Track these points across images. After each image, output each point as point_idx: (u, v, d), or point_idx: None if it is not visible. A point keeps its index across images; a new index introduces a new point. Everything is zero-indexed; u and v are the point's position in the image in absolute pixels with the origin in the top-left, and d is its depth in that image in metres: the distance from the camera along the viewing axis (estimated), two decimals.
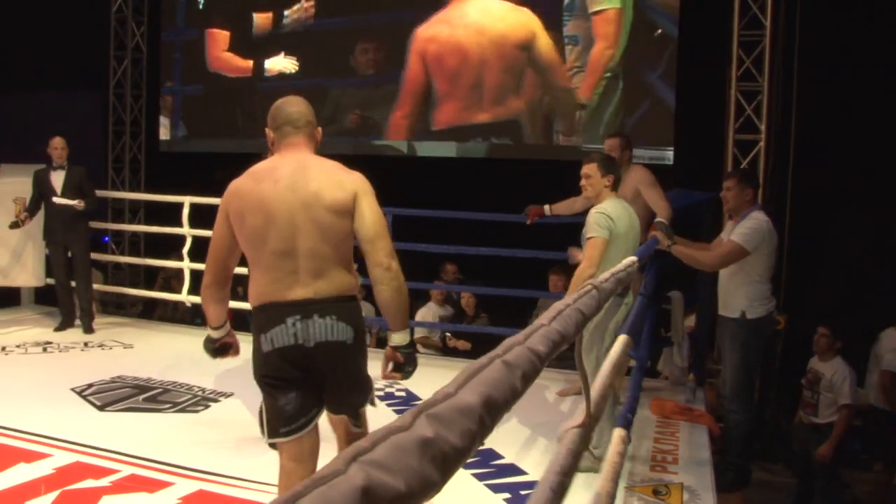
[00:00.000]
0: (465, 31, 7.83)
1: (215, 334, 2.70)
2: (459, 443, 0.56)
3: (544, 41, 7.63)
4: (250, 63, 8.75)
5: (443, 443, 0.54)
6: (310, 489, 0.42)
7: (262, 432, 2.50)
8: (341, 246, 2.45)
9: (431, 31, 7.99)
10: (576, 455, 1.43)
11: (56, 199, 6.08)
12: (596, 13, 7.50)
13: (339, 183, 2.44)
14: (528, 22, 7.66)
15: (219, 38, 8.97)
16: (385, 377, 2.65)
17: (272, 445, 2.51)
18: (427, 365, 5.86)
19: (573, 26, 7.58)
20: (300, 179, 2.40)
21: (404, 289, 2.51)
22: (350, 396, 2.55)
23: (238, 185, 2.47)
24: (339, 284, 2.44)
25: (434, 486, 0.52)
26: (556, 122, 7.69)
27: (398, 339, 2.58)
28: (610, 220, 3.65)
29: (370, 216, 2.45)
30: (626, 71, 7.47)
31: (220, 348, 2.74)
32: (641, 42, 7.42)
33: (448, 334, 6.62)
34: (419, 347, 6.56)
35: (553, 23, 7.62)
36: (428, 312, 6.66)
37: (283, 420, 2.43)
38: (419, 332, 6.65)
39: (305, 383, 2.44)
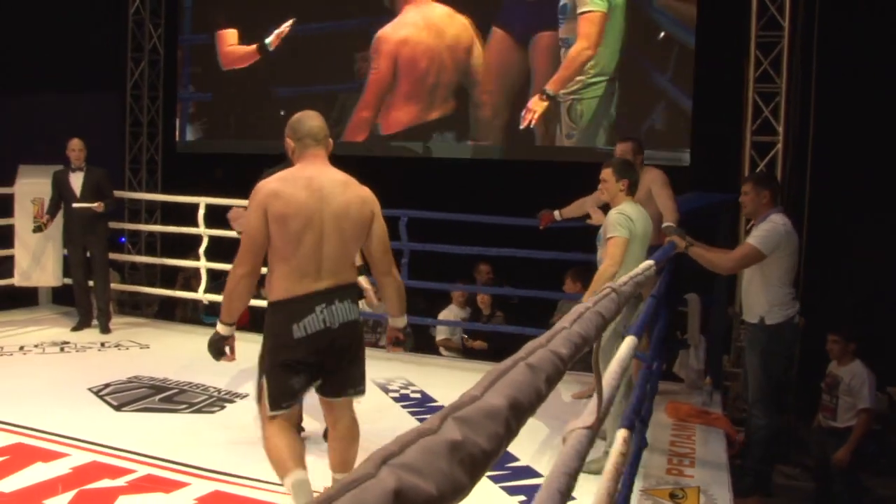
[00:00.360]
0: (427, 33, 8.10)
1: (227, 331, 2.91)
2: (487, 446, 0.55)
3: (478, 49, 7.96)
4: (254, 47, 8.82)
5: (471, 446, 0.53)
6: (342, 493, 0.42)
7: (262, 405, 2.88)
8: (355, 250, 2.98)
9: (402, 34, 8.23)
10: (582, 456, 1.42)
11: (75, 205, 6.12)
12: (582, 13, 7.60)
13: (363, 200, 2.90)
14: (468, 27, 8.00)
15: (226, 36, 9.04)
16: (390, 350, 3.31)
17: (269, 418, 2.85)
18: (438, 366, 5.90)
19: (566, 29, 7.65)
20: (333, 192, 2.81)
21: (402, 286, 3.13)
22: (357, 368, 2.96)
23: (277, 189, 2.78)
24: (349, 276, 2.92)
25: (463, 490, 0.51)
26: (551, 123, 7.70)
27: (400, 322, 3.16)
28: (630, 221, 3.75)
29: (381, 234, 2.97)
30: (624, 75, 7.46)
31: (224, 349, 2.93)
32: (643, 46, 7.42)
33: (465, 336, 6.64)
34: (441, 350, 6.59)
35: (550, 24, 7.69)
36: (449, 314, 6.70)
37: (289, 396, 2.83)
38: (441, 335, 6.69)
39: (314, 366, 2.84)
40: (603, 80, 7.54)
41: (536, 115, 7.70)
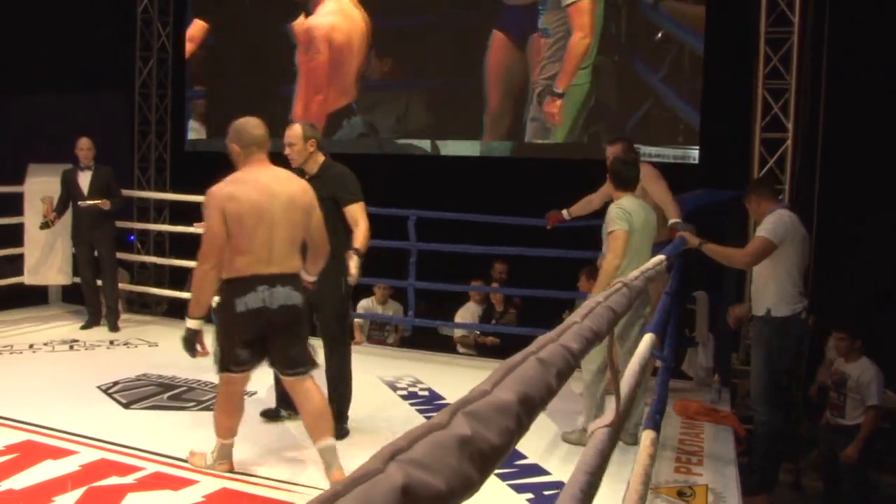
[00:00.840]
0: (351, 21, 8.48)
1: (197, 325, 3.26)
2: (497, 441, 0.54)
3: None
4: None
5: (481, 441, 0.52)
6: (350, 488, 0.41)
7: (216, 364, 3.31)
8: (300, 237, 3.34)
9: (330, 21, 8.53)
10: (605, 455, 1.41)
11: (81, 203, 6.14)
12: (569, 5, 7.61)
13: (304, 190, 3.36)
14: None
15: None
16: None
17: (221, 377, 3.31)
18: (446, 364, 5.90)
19: (546, 19, 7.66)
20: (279, 188, 3.25)
21: (327, 254, 3.56)
22: (295, 349, 3.31)
23: (232, 192, 3.20)
24: (294, 265, 3.31)
25: (473, 485, 0.50)
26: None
27: (311, 277, 3.53)
28: (628, 214, 3.90)
29: (319, 215, 3.42)
30: (625, 71, 7.47)
31: (195, 344, 3.29)
32: (638, 45, 7.42)
33: (477, 333, 6.67)
34: (458, 347, 6.65)
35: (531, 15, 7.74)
36: (466, 312, 6.75)
37: (235, 362, 3.27)
38: (458, 332, 6.75)
39: (256, 342, 3.25)
40: (604, 76, 7.57)
41: (557, 116, 7.72)
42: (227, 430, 3.42)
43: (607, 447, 1.41)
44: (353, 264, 3.82)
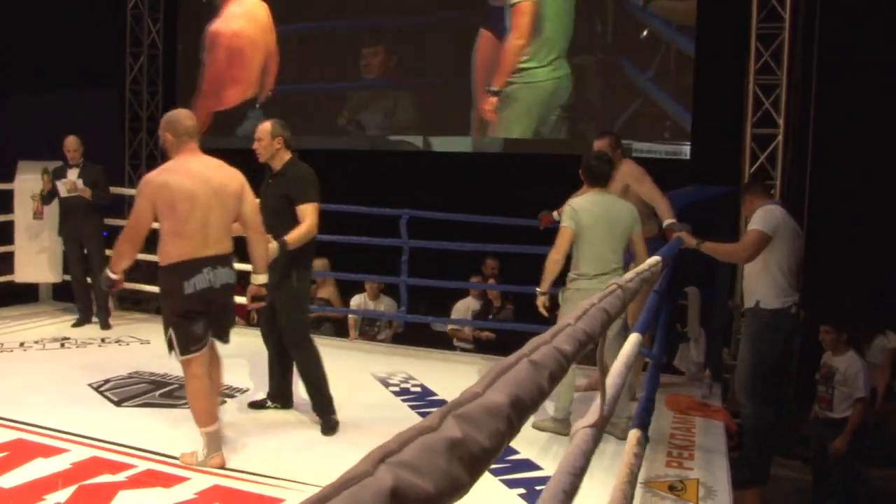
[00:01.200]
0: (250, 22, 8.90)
1: (117, 276, 3.56)
2: (488, 443, 0.54)
3: None
4: None
5: (472, 443, 0.52)
6: (338, 490, 0.41)
7: (173, 353, 3.47)
8: (231, 220, 3.54)
9: (233, 26, 8.93)
10: (588, 456, 1.42)
11: (59, 184, 6.11)
12: (513, 5, 7.71)
13: (233, 176, 3.55)
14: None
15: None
16: (249, 307, 3.88)
17: (185, 362, 3.47)
18: (439, 360, 5.90)
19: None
20: (211, 175, 3.46)
21: (269, 246, 3.74)
22: (229, 321, 3.67)
23: (166, 180, 3.40)
24: (229, 246, 3.54)
25: (463, 488, 0.50)
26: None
27: (261, 279, 3.73)
28: (574, 212, 4.05)
29: (252, 199, 3.63)
30: (608, 69, 7.49)
31: (113, 284, 3.60)
32: (623, 43, 7.46)
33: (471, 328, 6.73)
34: (455, 341, 6.72)
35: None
36: (462, 305, 6.81)
37: (194, 341, 3.45)
38: (452, 323, 6.80)
39: (207, 315, 3.48)
40: (551, 69, 7.63)
41: (491, 113, 7.88)
42: (207, 414, 3.50)
43: (591, 447, 1.41)
44: (269, 246, 3.93)
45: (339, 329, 6.92)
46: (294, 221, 3.97)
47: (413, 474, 0.45)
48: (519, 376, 0.69)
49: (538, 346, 0.82)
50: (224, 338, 3.68)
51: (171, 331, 3.45)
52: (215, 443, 3.51)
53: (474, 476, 0.52)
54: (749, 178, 6.54)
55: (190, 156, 3.49)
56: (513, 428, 0.61)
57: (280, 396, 4.38)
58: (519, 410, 0.63)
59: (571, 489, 1.29)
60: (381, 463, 0.45)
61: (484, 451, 0.54)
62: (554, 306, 4.30)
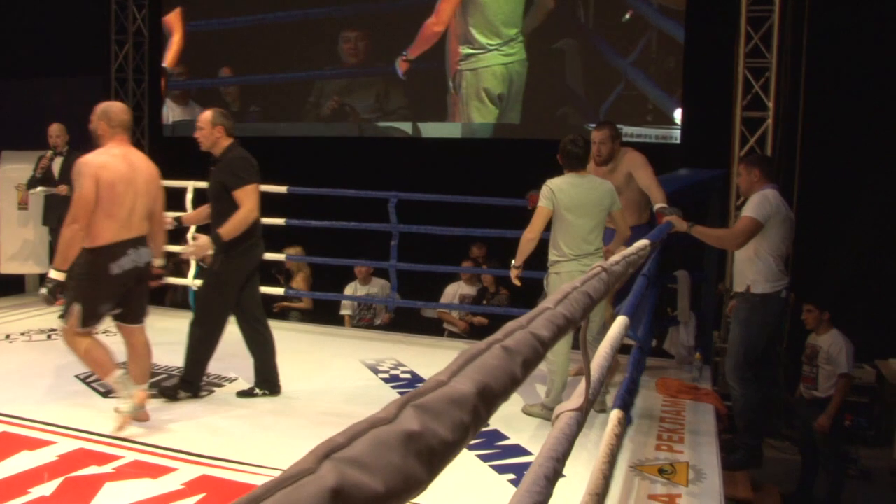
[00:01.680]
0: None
1: (61, 277, 3.61)
2: (450, 436, 0.51)
3: None
4: None
5: (430, 436, 0.49)
6: (273, 490, 0.38)
7: (63, 321, 3.69)
8: (151, 207, 3.84)
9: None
10: (572, 440, 1.39)
11: (30, 194, 6.11)
12: None
13: (155, 167, 3.89)
14: None
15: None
16: (152, 284, 4.03)
17: (77, 333, 3.67)
18: (429, 346, 5.88)
19: None
20: (140, 164, 3.79)
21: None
22: (146, 299, 3.94)
23: (105, 162, 3.66)
24: (145, 229, 3.82)
25: (419, 484, 0.47)
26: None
27: (159, 262, 4.05)
28: (552, 192, 4.06)
29: (161, 195, 3.97)
30: (589, 55, 7.44)
31: (57, 294, 3.66)
32: (602, 28, 7.43)
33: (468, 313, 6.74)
34: (445, 325, 6.80)
35: None
36: (451, 290, 6.83)
37: (96, 319, 3.73)
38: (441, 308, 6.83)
39: (119, 297, 3.74)
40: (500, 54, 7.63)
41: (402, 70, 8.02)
42: (105, 365, 3.72)
43: (574, 431, 1.38)
44: (194, 242, 4.11)
45: (305, 319, 6.98)
46: (231, 207, 4.07)
47: (361, 471, 0.42)
48: (489, 363, 0.65)
49: (513, 330, 0.79)
50: (137, 319, 3.89)
51: (78, 305, 3.65)
52: (123, 381, 3.73)
53: (434, 471, 0.49)
54: (750, 152, 6.49)
55: (121, 145, 3.78)
56: (479, 418, 0.58)
57: (265, 382, 4.38)
58: (487, 400, 0.60)
59: (553, 474, 1.26)
60: (325, 459, 0.42)
61: (445, 445, 0.50)
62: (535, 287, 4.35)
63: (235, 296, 4.27)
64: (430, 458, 0.48)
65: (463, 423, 0.54)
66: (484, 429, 3.87)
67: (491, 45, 7.60)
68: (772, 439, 6.01)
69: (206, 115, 4.22)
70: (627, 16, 7.29)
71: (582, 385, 1.53)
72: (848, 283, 6.68)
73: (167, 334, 5.00)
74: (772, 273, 4.39)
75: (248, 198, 4.08)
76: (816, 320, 5.15)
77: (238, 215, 4.04)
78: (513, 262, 4.27)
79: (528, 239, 4.12)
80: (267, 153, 7.50)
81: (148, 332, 3.98)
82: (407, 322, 6.67)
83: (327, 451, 0.43)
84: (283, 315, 6.95)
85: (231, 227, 4.03)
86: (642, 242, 2.60)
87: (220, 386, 4.56)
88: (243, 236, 4.11)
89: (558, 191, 4.05)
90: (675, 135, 7.20)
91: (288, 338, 6.11)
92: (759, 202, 4.37)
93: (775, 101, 6.68)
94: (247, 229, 4.10)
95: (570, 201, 4.04)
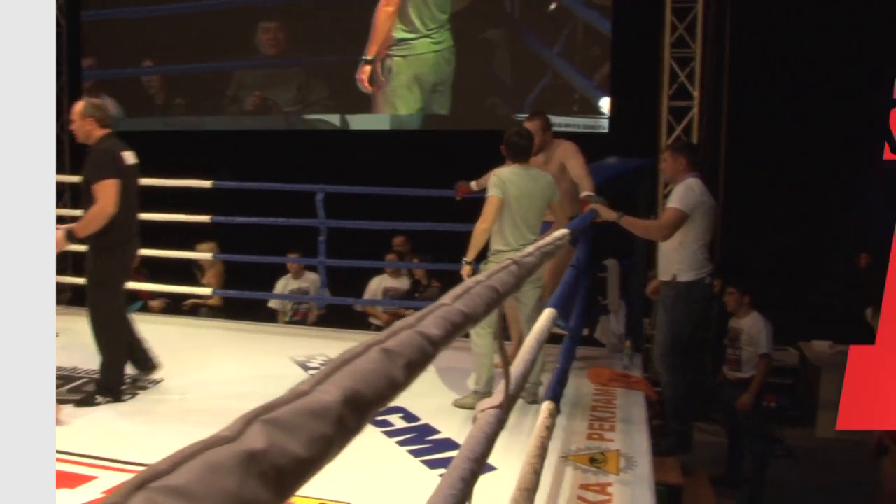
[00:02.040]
0: None
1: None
2: (305, 452, 0.47)
3: None
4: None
5: (278, 454, 0.45)
6: None
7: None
8: None
9: None
10: (491, 439, 1.36)
11: None
12: None
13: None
14: None
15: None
16: None
17: None
18: (359, 341, 5.81)
19: None
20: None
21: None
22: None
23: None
24: None
25: None
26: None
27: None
28: (502, 182, 4.05)
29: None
30: (516, 45, 7.48)
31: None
32: (528, 19, 7.46)
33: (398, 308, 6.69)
34: (371, 319, 6.74)
35: None
36: (374, 284, 6.73)
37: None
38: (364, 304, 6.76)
39: None
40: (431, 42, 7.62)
41: (365, 80, 7.86)
42: None
43: (495, 430, 1.36)
44: (56, 234, 3.88)
45: (215, 314, 6.89)
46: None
47: (182, 502, 0.37)
48: (362, 368, 0.62)
49: (399, 330, 0.75)
50: None
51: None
52: None
53: (284, 493, 0.45)
54: (676, 140, 6.59)
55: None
56: (347, 429, 0.54)
57: (138, 361, 4.37)
58: (357, 408, 0.56)
59: (471, 476, 1.23)
60: (138, 490, 0.37)
61: (298, 462, 0.46)
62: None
63: (121, 292, 4.18)
64: (279, 478, 0.44)
65: (324, 437, 0.50)
66: (414, 423, 3.84)
67: (426, 29, 7.53)
68: (702, 423, 6.14)
69: (78, 106, 4.07)
70: (553, 6, 7.32)
71: (503, 383, 1.50)
72: (772, 268, 6.86)
73: (89, 337, 4.81)
74: (696, 261, 4.46)
75: (103, 192, 3.87)
76: (737, 303, 5.29)
77: (92, 211, 3.86)
78: (464, 258, 4.19)
79: (483, 230, 4.05)
80: (192, 147, 7.36)
81: (64, 334, 3.84)
82: (337, 317, 6.59)
83: (143, 481, 0.38)
84: (194, 312, 6.82)
85: (84, 223, 3.86)
86: (561, 231, 2.59)
87: (144, 388, 4.41)
88: (112, 234, 3.95)
89: (508, 181, 4.05)
90: (604, 124, 7.28)
91: (214, 336, 5.98)
92: (684, 193, 4.43)
93: (700, 91, 6.81)
94: (115, 226, 3.93)
95: (518, 191, 4.05)
